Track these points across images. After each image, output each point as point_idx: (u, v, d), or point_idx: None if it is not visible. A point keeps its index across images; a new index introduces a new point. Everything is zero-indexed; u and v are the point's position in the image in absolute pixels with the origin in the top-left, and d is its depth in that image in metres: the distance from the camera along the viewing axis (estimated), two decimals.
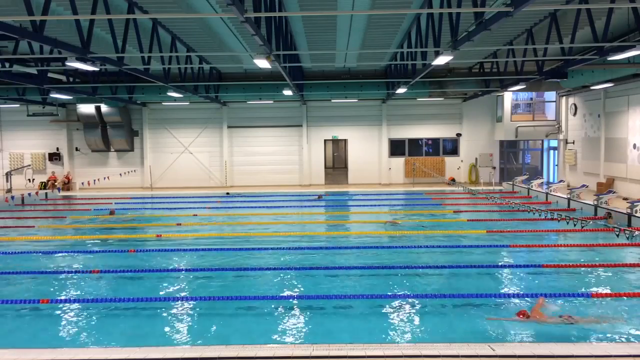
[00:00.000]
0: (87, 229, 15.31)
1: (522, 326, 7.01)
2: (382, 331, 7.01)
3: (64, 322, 7.58)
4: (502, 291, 8.97)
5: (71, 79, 20.07)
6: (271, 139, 27.23)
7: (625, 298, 8.09)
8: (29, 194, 21.12)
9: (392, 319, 7.46)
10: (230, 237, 13.70)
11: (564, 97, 24.65)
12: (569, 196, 17.50)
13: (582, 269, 9.95)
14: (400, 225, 14.83)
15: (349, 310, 7.75)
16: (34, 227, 15.37)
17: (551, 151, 26.86)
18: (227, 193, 23.55)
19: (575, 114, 23.76)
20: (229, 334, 6.97)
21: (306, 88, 23.36)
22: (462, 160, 27.05)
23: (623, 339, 6.59)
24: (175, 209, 18.85)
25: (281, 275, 9.82)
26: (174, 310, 7.91)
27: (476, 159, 26.94)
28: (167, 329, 7.27)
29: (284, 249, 11.97)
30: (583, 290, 8.70)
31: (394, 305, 7.95)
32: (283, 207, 18.97)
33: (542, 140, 26.80)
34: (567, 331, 6.83)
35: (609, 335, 6.71)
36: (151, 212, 18.67)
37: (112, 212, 17.66)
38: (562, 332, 6.83)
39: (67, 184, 26.43)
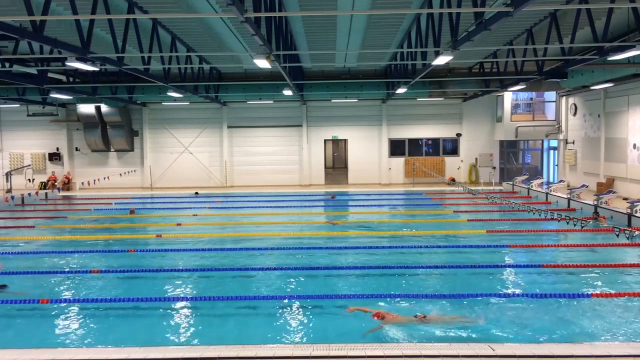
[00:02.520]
0: (87, 229, 15.30)
1: (373, 325, 7.06)
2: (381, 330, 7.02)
3: (64, 322, 7.58)
4: (502, 291, 8.97)
5: (71, 79, 20.08)
6: (271, 139, 27.24)
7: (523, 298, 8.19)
8: (29, 194, 21.11)
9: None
10: (231, 237, 13.70)
11: (564, 97, 24.65)
12: (569, 196, 17.50)
13: (582, 269, 9.95)
14: (339, 226, 14.61)
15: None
16: (34, 227, 15.37)
17: (551, 151, 26.86)
18: (196, 193, 23.47)
19: (575, 114, 23.76)
20: (229, 334, 6.97)
21: (306, 88, 23.36)
22: (462, 160, 27.05)
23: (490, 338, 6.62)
24: (175, 209, 18.85)
25: (282, 275, 9.83)
26: (174, 310, 7.91)
27: (476, 159, 26.94)
28: (167, 328, 7.26)
29: (284, 248, 11.98)
30: (582, 290, 8.71)
31: (393, 305, 7.96)
32: (285, 207, 18.94)
33: (542, 140, 26.81)
34: (418, 330, 6.89)
35: (460, 334, 6.79)
36: (151, 212, 18.65)
37: (132, 211, 17.64)
38: (413, 331, 6.88)
39: (67, 184, 26.43)
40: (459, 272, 9.83)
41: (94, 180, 23.32)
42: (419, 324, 7.05)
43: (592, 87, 20.12)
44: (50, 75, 18.76)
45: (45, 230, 15.07)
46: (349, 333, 6.85)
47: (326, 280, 9.51)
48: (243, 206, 19.47)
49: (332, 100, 25.62)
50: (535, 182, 20.99)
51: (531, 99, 26.23)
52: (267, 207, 18.75)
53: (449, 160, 27.07)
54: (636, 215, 13.67)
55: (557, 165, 26.06)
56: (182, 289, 9.20)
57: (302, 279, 9.55)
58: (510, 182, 23.30)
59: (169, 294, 8.83)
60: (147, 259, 11.40)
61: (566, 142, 24.69)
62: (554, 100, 25.41)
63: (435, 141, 27.36)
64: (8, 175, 24.82)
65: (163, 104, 26.49)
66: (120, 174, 25.83)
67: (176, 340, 6.87)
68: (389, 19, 14.50)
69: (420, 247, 12.07)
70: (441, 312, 7.54)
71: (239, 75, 24.08)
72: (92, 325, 7.47)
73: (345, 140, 27.57)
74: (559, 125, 25.13)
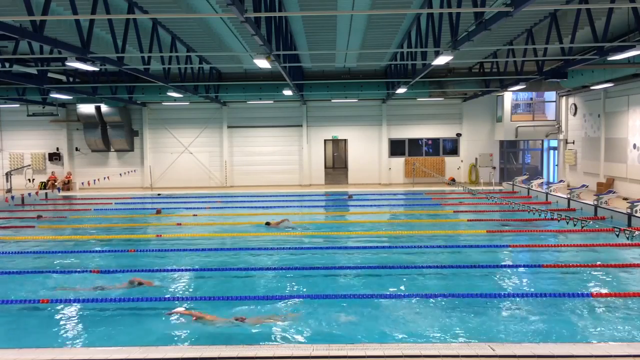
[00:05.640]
0: (87, 229, 15.30)
1: (189, 326, 7.07)
2: (381, 331, 7.02)
3: (64, 322, 7.58)
4: (502, 291, 8.97)
5: (71, 79, 20.07)
6: (271, 139, 27.25)
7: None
8: (29, 194, 21.12)
9: (392, 319, 7.46)
10: (231, 237, 13.71)
11: (564, 97, 24.65)
12: (569, 196, 17.50)
13: (582, 269, 9.95)
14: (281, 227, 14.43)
15: (348, 310, 7.75)
16: (34, 227, 15.37)
17: (551, 151, 26.86)
18: (159, 194, 23.57)
19: (575, 114, 23.76)
20: (228, 334, 6.96)
21: (306, 88, 23.37)
22: (462, 160, 27.05)
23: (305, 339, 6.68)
24: (175, 208, 18.84)
25: (282, 275, 9.83)
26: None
27: (476, 159, 26.94)
28: (167, 328, 7.26)
29: (284, 248, 11.99)
30: (582, 290, 8.71)
31: (394, 305, 7.96)
32: (284, 207, 18.95)
33: (542, 140, 26.81)
34: (237, 331, 6.93)
35: (284, 334, 6.82)
36: (152, 212, 18.62)
37: (158, 211, 17.65)
38: (232, 331, 6.91)
39: (67, 184, 26.43)
40: (460, 271, 9.83)
41: (94, 180, 23.34)
42: (233, 325, 7.09)
43: (592, 87, 20.12)
44: (50, 75, 18.75)
45: (45, 230, 15.06)
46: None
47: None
48: (240, 206, 19.43)
49: (332, 100, 25.62)
50: (535, 182, 20.98)
51: (531, 99, 26.24)
52: (265, 207, 18.75)
53: (449, 160, 27.07)
54: (636, 215, 13.67)
55: (557, 165, 26.06)
56: (182, 288, 9.20)
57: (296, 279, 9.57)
58: (510, 182, 23.29)
59: (168, 294, 8.82)
60: (147, 259, 11.39)
61: (566, 142, 24.69)
62: (554, 100, 25.42)
63: (435, 141, 27.36)
64: (8, 175, 24.81)
65: (163, 104, 26.50)
66: (120, 174, 25.84)
67: (176, 339, 6.87)
68: (389, 19, 14.50)
69: (420, 247, 12.07)
70: (266, 314, 7.55)
71: (239, 75, 24.09)
72: (92, 325, 7.46)
73: (345, 140, 27.58)
74: (559, 125, 25.13)
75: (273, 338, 6.71)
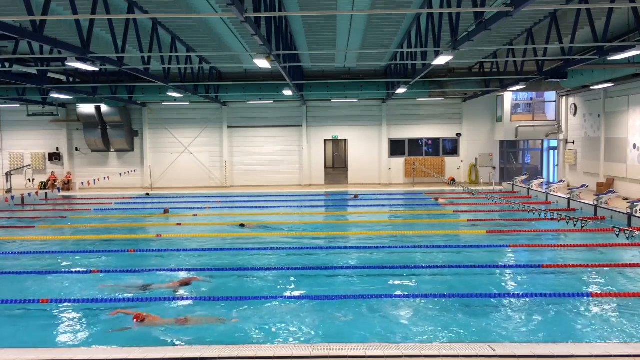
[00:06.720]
0: (87, 229, 15.30)
1: (136, 331, 7.02)
2: (381, 331, 7.02)
3: (64, 322, 7.58)
4: (502, 291, 8.97)
5: (71, 79, 20.07)
6: (271, 139, 27.24)
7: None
8: (29, 194, 21.11)
9: (392, 319, 7.46)
10: (232, 237, 13.71)
11: (564, 97, 24.65)
12: (569, 196, 17.50)
13: (582, 269, 9.95)
14: (248, 228, 14.61)
15: (349, 309, 7.75)
16: (34, 227, 15.37)
17: (551, 151, 26.86)
18: (147, 194, 23.62)
19: (575, 114, 23.76)
20: (228, 334, 6.97)
21: (306, 88, 23.37)
22: (462, 160, 27.05)
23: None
24: (175, 208, 18.84)
25: (283, 275, 9.83)
26: (174, 310, 7.90)
27: (476, 159, 26.94)
28: (167, 328, 7.26)
29: (283, 248, 11.99)
30: (582, 290, 8.72)
31: (394, 305, 7.96)
32: (284, 207, 18.95)
33: (542, 140, 26.81)
34: (182, 332, 6.91)
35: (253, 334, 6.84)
36: (151, 212, 18.63)
37: (166, 211, 17.66)
38: (177, 333, 6.89)
39: (67, 184, 26.43)
40: (460, 271, 9.83)
41: (94, 180, 23.34)
42: (176, 325, 7.10)
43: (592, 87, 20.13)
44: (50, 75, 18.75)
45: (45, 230, 15.05)
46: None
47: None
48: (240, 206, 19.44)
49: (332, 100, 25.62)
50: (535, 182, 20.98)
51: (531, 99, 26.24)
52: (265, 207, 18.74)
53: (449, 160, 27.07)
54: (636, 215, 13.67)
55: (557, 165, 26.05)
56: (181, 288, 9.20)
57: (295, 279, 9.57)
58: (510, 182, 23.29)
59: (168, 294, 8.82)
60: (147, 259, 11.40)
61: (566, 142, 24.69)
62: (554, 100, 25.42)
63: (435, 141, 27.36)
64: (8, 175, 24.80)
65: (163, 104, 26.49)
66: (120, 174, 25.84)
67: (176, 339, 6.87)
68: (389, 19, 14.50)
69: (422, 247, 12.08)
70: (208, 314, 7.55)
71: (239, 75, 24.09)
72: (92, 325, 7.47)
73: (345, 140, 27.57)
74: (559, 125, 25.13)
75: (219, 339, 6.65)
